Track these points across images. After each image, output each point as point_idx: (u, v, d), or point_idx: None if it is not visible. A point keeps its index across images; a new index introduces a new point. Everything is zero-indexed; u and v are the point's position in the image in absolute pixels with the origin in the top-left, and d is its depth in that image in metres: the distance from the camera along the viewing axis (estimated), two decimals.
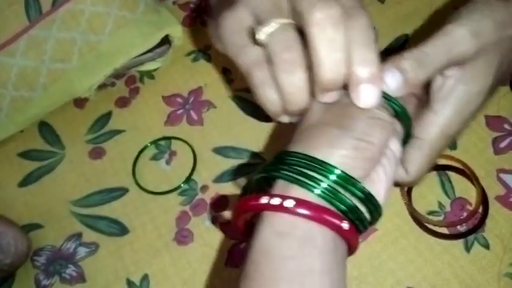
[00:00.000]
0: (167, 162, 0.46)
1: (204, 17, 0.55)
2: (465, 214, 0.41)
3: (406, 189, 0.42)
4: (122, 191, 0.45)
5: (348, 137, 0.26)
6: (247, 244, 0.27)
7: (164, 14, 0.52)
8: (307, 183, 0.25)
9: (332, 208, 0.26)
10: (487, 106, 0.44)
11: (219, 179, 0.45)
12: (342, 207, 0.26)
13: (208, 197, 0.44)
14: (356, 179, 0.26)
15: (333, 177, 0.26)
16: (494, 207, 0.41)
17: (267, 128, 0.47)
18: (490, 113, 0.45)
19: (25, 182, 0.47)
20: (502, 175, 0.42)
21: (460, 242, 0.40)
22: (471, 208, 0.41)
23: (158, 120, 0.49)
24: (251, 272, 0.25)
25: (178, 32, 0.51)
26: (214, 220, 0.43)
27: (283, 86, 0.29)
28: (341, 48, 0.27)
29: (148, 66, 0.52)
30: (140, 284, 0.40)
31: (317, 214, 0.25)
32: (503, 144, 0.43)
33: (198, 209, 0.43)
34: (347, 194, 0.26)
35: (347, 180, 0.26)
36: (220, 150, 0.46)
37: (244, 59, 0.31)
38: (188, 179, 0.45)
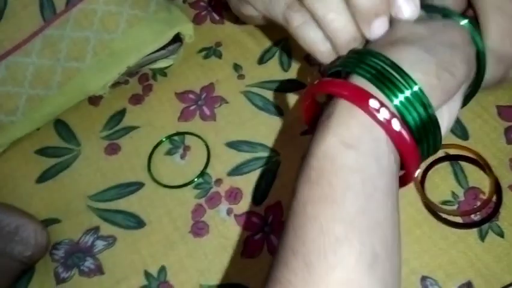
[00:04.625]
0: (182, 157, 0.47)
1: (214, 14, 0.56)
2: (479, 203, 0.41)
3: (420, 179, 0.42)
4: (138, 186, 0.46)
5: (433, 63, 0.25)
6: (306, 151, 0.26)
7: (176, 12, 0.53)
8: (389, 88, 0.24)
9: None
10: (498, 97, 0.45)
11: (232, 172, 0.45)
12: (413, 123, 0.25)
13: (222, 190, 0.44)
14: (430, 103, 0.25)
15: (409, 92, 0.24)
16: (508, 196, 0.41)
17: (278, 122, 0.47)
18: (501, 103, 0.45)
19: (42, 178, 0.47)
20: None
21: (474, 231, 0.40)
22: (484, 197, 0.41)
23: (172, 116, 0.49)
24: (315, 177, 0.24)
25: (189, 30, 0.52)
26: (229, 212, 0.43)
27: (323, 16, 0.28)
28: None
29: (161, 64, 0.53)
30: (157, 276, 0.41)
31: (401, 137, 0.24)
32: None
33: (213, 201, 0.44)
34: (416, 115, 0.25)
35: (421, 101, 0.25)
36: (233, 144, 0.47)
37: (277, 7, 0.30)
38: (202, 173, 0.45)
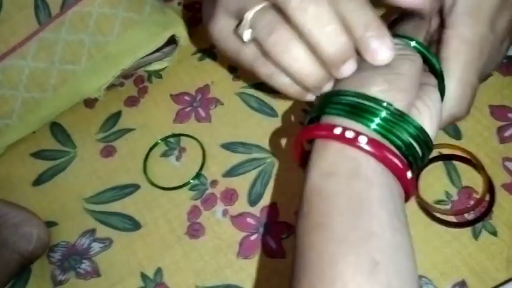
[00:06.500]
0: (177, 159, 0.47)
1: None
2: (472, 202, 0.41)
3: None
4: (134, 188, 0.46)
5: (377, 74, 0.27)
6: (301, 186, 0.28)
7: (170, 14, 0.53)
8: (363, 116, 0.26)
9: (387, 144, 0.26)
10: (490, 96, 0.45)
11: (228, 174, 0.45)
12: (399, 142, 0.26)
13: (218, 191, 0.44)
14: (404, 113, 0.26)
15: (383, 113, 0.26)
16: (501, 195, 0.41)
17: (273, 123, 0.48)
18: (494, 103, 0.45)
19: (38, 181, 0.48)
20: (507, 163, 0.42)
21: (467, 230, 0.40)
22: (478, 196, 0.41)
23: (167, 118, 0.50)
24: (306, 210, 0.26)
25: (183, 32, 0.52)
26: (225, 213, 0.43)
27: (288, 66, 0.29)
28: (330, 19, 0.27)
29: (156, 66, 0.53)
30: (154, 277, 0.41)
31: (377, 149, 0.25)
32: (508, 133, 0.44)
33: (208, 203, 0.44)
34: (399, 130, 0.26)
35: (396, 115, 0.26)
36: (228, 146, 0.47)
37: (244, 60, 0.32)
38: (198, 174, 0.45)
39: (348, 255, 0.23)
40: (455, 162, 0.43)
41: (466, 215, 0.41)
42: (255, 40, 0.30)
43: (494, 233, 0.40)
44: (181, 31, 0.51)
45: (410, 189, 0.27)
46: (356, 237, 0.24)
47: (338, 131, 0.26)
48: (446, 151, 0.43)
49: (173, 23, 0.52)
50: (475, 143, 0.44)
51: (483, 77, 0.34)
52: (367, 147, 0.25)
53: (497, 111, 0.45)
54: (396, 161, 0.26)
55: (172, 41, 0.51)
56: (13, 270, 0.42)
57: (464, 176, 0.42)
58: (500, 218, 0.40)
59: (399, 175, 0.26)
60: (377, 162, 0.26)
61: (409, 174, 0.26)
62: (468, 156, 0.43)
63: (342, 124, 0.26)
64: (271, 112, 0.48)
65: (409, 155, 0.27)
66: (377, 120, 0.26)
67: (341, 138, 0.26)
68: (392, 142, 0.26)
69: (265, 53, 0.30)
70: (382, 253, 0.24)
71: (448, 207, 0.41)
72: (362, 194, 0.25)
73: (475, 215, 0.41)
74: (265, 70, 0.31)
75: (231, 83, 0.51)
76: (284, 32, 0.28)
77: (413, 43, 0.30)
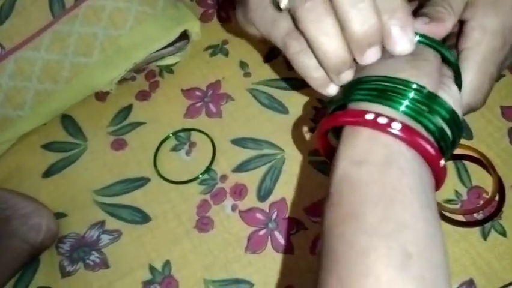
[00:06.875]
0: (187, 153, 0.47)
1: (221, 12, 0.57)
2: (481, 202, 0.41)
3: None
4: (144, 181, 0.46)
5: (404, 61, 0.27)
6: (328, 177, 0.27)
7: (183, 9, 0.53)
8: (392, 99, 0.25)
9: (419, 129, 0.25)
10: (501, 97, 0.45)
11: (237, 169, 0.45)
12: (431, 126, 0.25)
13: (227, 186, 0.45)
14: (437, 94, 0.26)
15: (412, 94, 0.25)
16: (511, 195, 0.41)
17: (283, 119, 0.48)
18: (505, 104, 0.45)
19: (49, 172, 0.48)
20: None
21: (477, 230, 0.40)
22: (487, 196, 0.41)
23: (178, 112, 0.50)
24: (336, 200, 0.25)
25: (196, 27, 0.52)
26: (234, 208, 0.43)
27: (316, 39, 0.28)
28: None
29: (168, 61, 0.53)
30: (162, 270, 0.41)
31: (410, 135, 0.24)
32: None
33: (217, 197, 0.44)
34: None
35: (428, 97, 0.25)
36: (238, 141, 0.47)
37: (277, 33, 0.31)
38: (208, 169, 0.46)
39: (381, 247, 0.23)
40: (466, 162, 0.43)
41: (475, 215, 0.41)
42: (290, 10, 0.29)
43: (503, 234, 0.40)
44: (193, 26, 0.52)
45: (441, 178, 0.26)
46: (388, 228, 0.23)
47: (370, 116, 0.25)
48: (456, 151, 0.43)
49: (186, 18, 0.52)
50: (485, 143, 0.44)
51: (503, 69, 0.33)
52: (400, 134, 0.24)
53: (508, 112, 0.45)
54: (429, 147, 0.25)
55: (184, 36, 0.52)
56: (22, 260, 0.42)
57: (474, 176, 0.42)
58: (510, 218, 0.40)
59: (431, 162, 0.25)
60: (409, 150, 0.25)
61: (442, 162, 0.26)
62: (478, 156, 0.43)
63: (371, 109, 0.25)
64: (282, 109, 0.48)
65: (441, 140, 0.26)
66: (407, 102, 0.25)
67: (373, 124, 0.25)
68: (424, 126, 0.26)
69: (297, 25, 0.29)
70: (415, 245, 0.23)
71: (457, 206, 0.41)
72: (395, 184, 0.24)
73: (484, 214, 0.41)
74: (295, 45, 0.30)
75: (242, 79, 0.51)
76: (319, 2, 0.28)
77: (417, 37, 0.29)
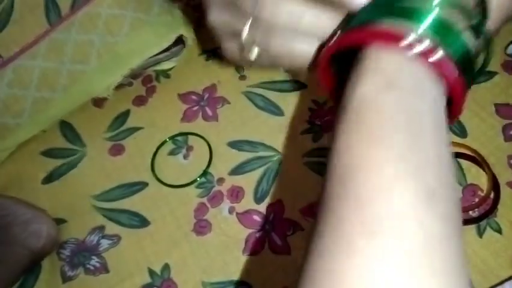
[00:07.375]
0: (185, 157, 0.48)
1: None
2: (477, 200, 0.41)
3: None
4: (142, 185, 0.46)
5: None
6: (342, 94, 0.24)
7: (178, 15, 0.53)
8: (414, 13, 0.23)
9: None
10: (495, 95, 0.45)
11: (234, 172, 0.46)
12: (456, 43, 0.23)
13: (224, 188, 0.45)
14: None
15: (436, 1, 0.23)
16: (506, 192, 0.41)
17: (279, 121, 0.48)
18: (499, 101, 0.46)
19: (48, 179, 0.48)
20: None
21: (472, 227, 0.40)
22: (482, 194, 0.42)
23: (175, 117, 0.50)
24: (352, 121, 0.23)
25: (191, 33, 0.53)
26: (231, 210, 0.44)
27: None
28: None
29: (164, 66, 0.54)
30: (161, 273, 0.42)
31: (447, 68, 0.22)
32: None
33: (215, 200, 0.45)
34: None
35: (453, 4, 0.23)
36: (235, 144, 0.48)
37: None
38: (205, 172, 0.46)
39: (409, 177, 0.21)
40: (460, 160, 0.43)
41: (470, 212, 0.41)
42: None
43: (498, 231, 0.40)
44: (188, 31, 0.52)
45: (461, 108, 0.24)
46: (415, 161, 0.21)
47: (411, 38, 0.22)
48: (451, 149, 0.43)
49: (181, 24, 0.52)
50: (480, 141, 0.44)
51: None
52: (437, 64, 0.22)
53: (502, 109, 0.45)
54: (458, 79, 0.23)
55: (179, 41, 0.52)
56: (24, 266, 0.42)
57: (469, 174, 0.43)
58: (505, 215, 0.40)
59: (455, 94, 0.23)
60: (438, 81, 0.23)
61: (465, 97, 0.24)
62: (473, 154, 0.43)
63: (400, 29, 0.22)
64: (277, 111, 0.49)
65: (467, 61, 0.23)
66: (430, 17, 0.22)
67: (410, 48, 0.22)
68: (448, 45, 0.23)
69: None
70: (438, 182, 0.21)
71: None
72: (422, 118, 0.22)
73: (479, 212, 0.41)
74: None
75: (238, 82, 0.51)
76: None
77: None
